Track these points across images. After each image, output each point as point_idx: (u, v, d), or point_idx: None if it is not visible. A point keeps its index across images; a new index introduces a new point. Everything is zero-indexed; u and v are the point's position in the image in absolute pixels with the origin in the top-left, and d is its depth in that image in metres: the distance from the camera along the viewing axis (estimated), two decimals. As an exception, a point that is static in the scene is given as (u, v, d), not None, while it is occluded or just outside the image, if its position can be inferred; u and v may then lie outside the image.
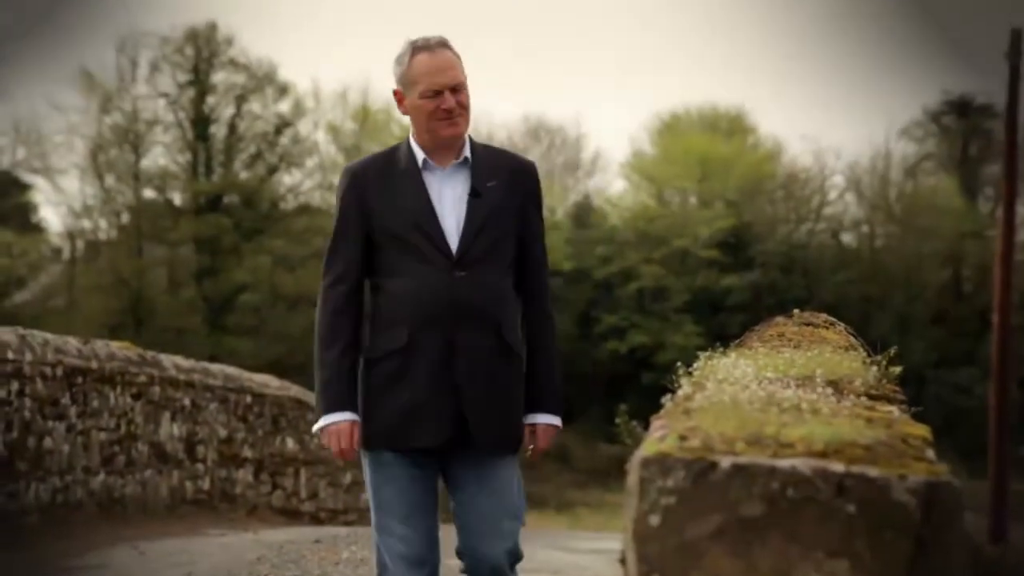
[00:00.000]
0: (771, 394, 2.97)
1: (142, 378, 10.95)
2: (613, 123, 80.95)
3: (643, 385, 39.67)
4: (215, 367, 12.98)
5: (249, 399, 13.17)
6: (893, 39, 72.00)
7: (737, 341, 4.64)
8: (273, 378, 14.53)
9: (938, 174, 50.76)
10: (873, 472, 2.26)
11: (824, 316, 5.15)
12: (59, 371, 9.65)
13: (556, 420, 4.40)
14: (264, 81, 46.59)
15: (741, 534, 2.26)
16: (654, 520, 2.31)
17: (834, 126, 63.27)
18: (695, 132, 51.13)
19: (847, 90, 74.32)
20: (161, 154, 46.58)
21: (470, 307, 4.18)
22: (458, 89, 4.20)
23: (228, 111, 46.65)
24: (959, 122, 50.72)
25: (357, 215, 4.26)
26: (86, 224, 47.35)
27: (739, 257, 47.11)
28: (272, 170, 47.38)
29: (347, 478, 15.31)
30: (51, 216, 70.91)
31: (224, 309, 44.56)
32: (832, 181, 50.91)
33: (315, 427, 4.26)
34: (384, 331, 4.23)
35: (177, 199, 46.98)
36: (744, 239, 47.70)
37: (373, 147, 43.70)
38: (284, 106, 47.41)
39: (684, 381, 3.43)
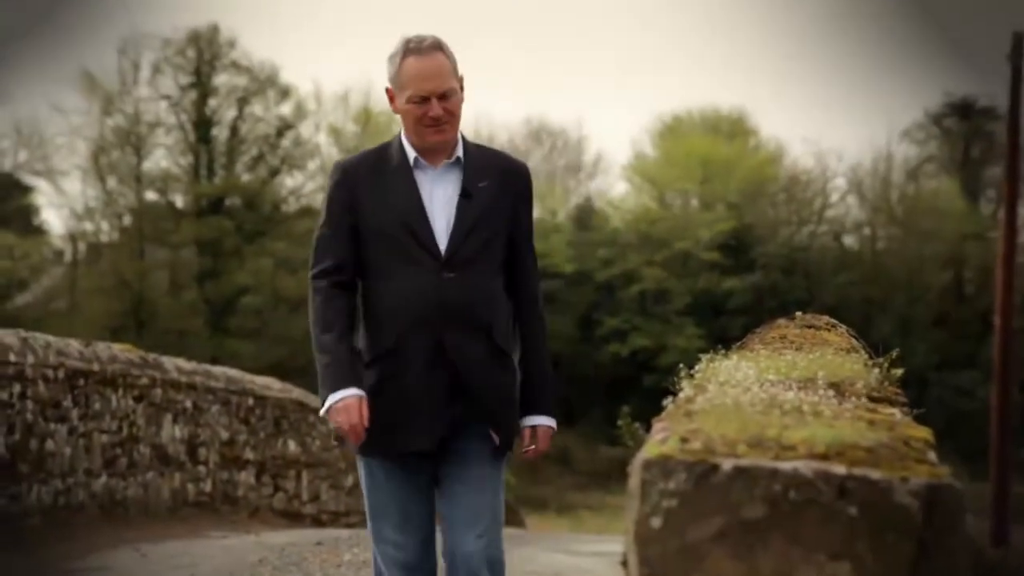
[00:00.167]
0: (773, 396, 2.97)
1: (144, 380, 10.95)
2: (615, 125, 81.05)
3: (644, 387, 39.66)
4: (217, 369, 12.98)
5: (251, 401, 13.16)
6: (894, 41, 72.06)
7: (739, 343, 4.63)
8: (275, 380, 14.52)
9: (940, 176, 50.79)
10: (875, 474, 2.26)
11: (826, 318, 5.15)
12: (61, 373, 9.65)
13: (552, 422, 4.37)
14: (266, 83, 46.66)
15: (743, 536, 2.26)
16: (656, 522, 2.31)
17: (835, 128, 63.31)
18: (697, 134, 51.17)
19: (848, 92, 74.35)
20: (163, 156, 46.71)
21: (459, 309, 4.13)
22: (446, 96, 4.14)
23: (230, 113, 46.72)
24: (961, 124, 50.74)
25: (346, 211, 4.19)
26: (88, 226, 47.45)
27: (740, 259, 47.13)
28: (274, 172, 47.44)
29: (349, 480, 15.31)
30: (53, 218, 70.92)
31: (226, 311, 44.58)
32: (834, 183, 51.01)
33: (322, 410, 4.11)
34: (373, 334, 4.18)
35: (179, 201, 47.04)
36: (746, 241, 47.71)
37: (375, 149, 43.58)
38: (286, 108, 47.53)
39: (685, 383, 3.43)
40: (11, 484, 8.99)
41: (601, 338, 46.48)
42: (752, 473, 2.27)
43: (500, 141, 49.38)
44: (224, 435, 12.50)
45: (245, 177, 46.83)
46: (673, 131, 52.46)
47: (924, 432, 2.76)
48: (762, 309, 38.73)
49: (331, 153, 47.82)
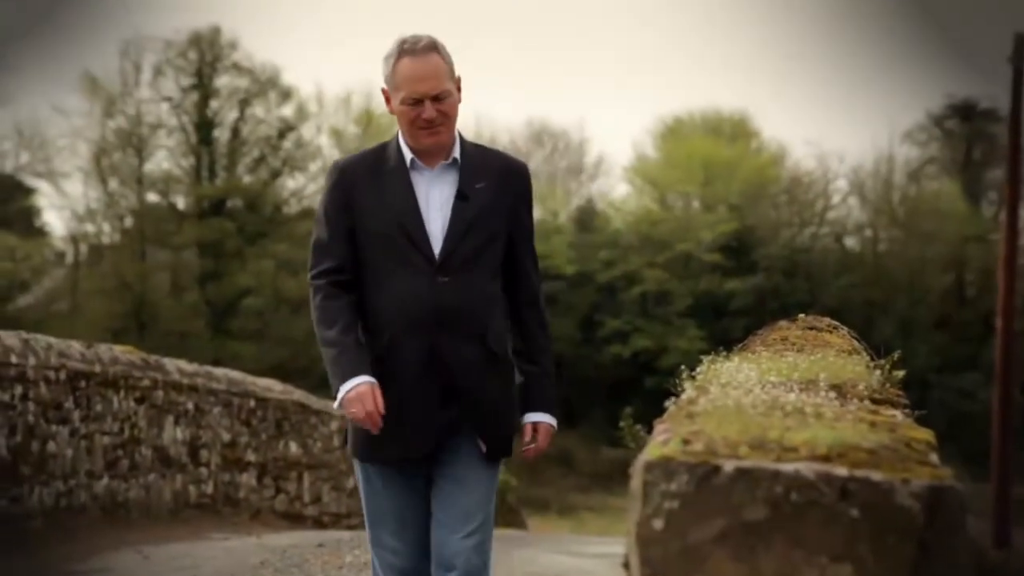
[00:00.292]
0: (774, 398, 2.97)
1: (145, 382, 10.95)
2: (616, 127, 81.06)
3: (646, 389, 39.64)
4: (218, 371, 12.98)
5: (252, 403, 13.16)
6: (896, 42, 72.01)
7: (740, 345, 4.63)
8: (276, 382, 14.52)
9: (941, 178, 50.78)
10: (877, 476, 2.26)
11: (827, 320, 5.14)
12: (62, 375, 9.65)
13: (553, 420, 4.33)
14: (267, 85, 46.67)
15: (744, 538, 2.26)
16: (657, 524, 2.31)
17: (837, 129, 63.30)
18: (698, 136, 51.18)
19: (850, 93, 74.33)
20: (164, 158, 46.73)
21: (453, 313, 4.08)
22: (440, 98, 4.08)
23: (231, 115, 46.74)
24: (962, 126, 50.74)
25: (343, 212, 4.15)
26: (89, 228, 47.48)
27: (742, 261, 47.13)
28: (275, 174, 47.45)
29: (350, 482, 15.30)
30: (54, 220, 71.00)
31: (227, 313, 44.59)
32: (835, 185, 51.00)
33: (335, 403, 4.05)
34: (368, 337, 4.13)
35: (180, 203, 47.07)
36: (747, 243, 47.70)
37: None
38: (287, 110, 47.55)
39: (687, 385, 3.43)
40: (12, 486, 8.99)
41: (602, 339, 46.48)
42: (754, 475, 2.27)
43: (501, 143, 49.36)
44: (226, 437, 12.50)
45: (247, 179, 46.85)
46: (674, 133, 52.48)
47: (926, 434, 2.76)
48: (764, 311, 38.71)
49: (333, 155, 47.78)
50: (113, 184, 45.90)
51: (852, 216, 51.28)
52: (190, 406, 11.76)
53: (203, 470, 11.99)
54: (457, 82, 4.18)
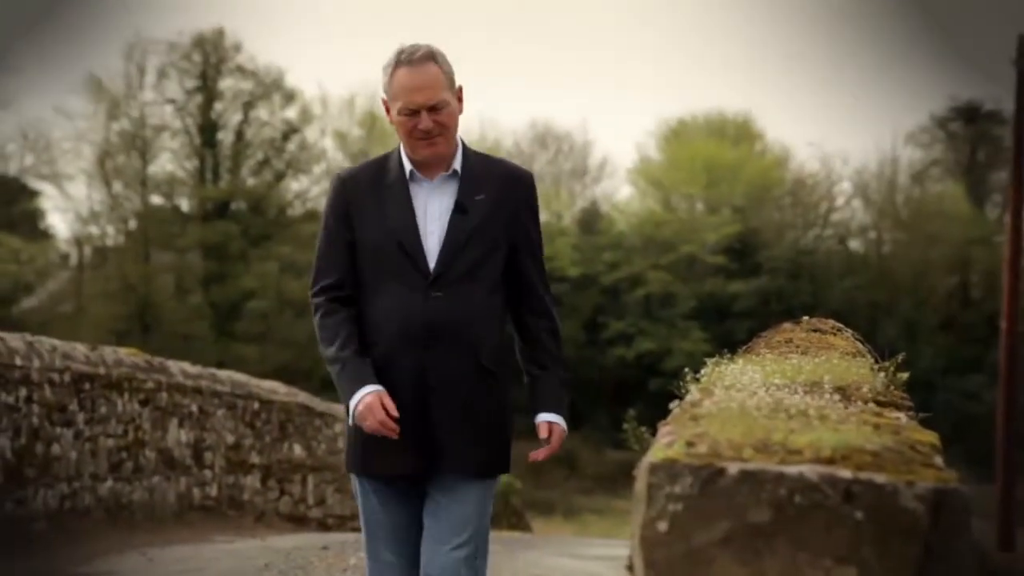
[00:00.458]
0: (779, 400, 2.96)
1: (149, 384, 10.96)
2: (620, 129, 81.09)
3: (650, 391, 39.67)
4: (222, 373, 12.99)
5: (256, 405, 13.17)
6: (900, 44, 72.02)
7: (744, 347, 4.63)
8: (280, 384, 14.54)
9: (945, 180, 50.77)
10: (881, 478, 2.25)
11: (831, 322, 5.14)
12: (67, 377, 9.66)
13: (563, 423, 4.22)
14: (271, 87, 46.73)
15: (749, 540, 2.26)
16: (662, 526, 2.31)
17: (841, 131, 63.32)
18: (702, 138, 51.18)
19: (853, 95, 74.30)
20: (168, 160, 46.80)
21: (445, 329, 4.01)
22: (437, 108, 4.02)
23: (235, 117, 46.80)
24: (966, 128, 50.73)
25: (343, 225, 4.12)
26: (94, 230, 47.55)
27: (746, 263, 47.12)
28: (279, 176, 47.51)
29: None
30: (59, 222, 70.91)
31: (231, 315, 44.62)
32: (839, 187, 51.00)
33: (349, 419, 4.03)
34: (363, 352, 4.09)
35: (184, 205, 47.12)
36: (751, 245, 47.70)
37: (380, 153, 43.68)
38: (291, 112, 47.62)
39: (691, 387, 3.43)
40: (17, 488, 8.99)
41: (606, 341, 46.48)
42: (758, 477, 2.27)
43: (505, 145, 49.43)
44: (230, 439, 12.50)
45: (250, 181, 46.90)
46: (678, 135, 52.49)
47: (930, 436, 2.76)
48: (768, 313, 38.70)
49: (336, 157, 47.92)
50: (117, 186, 45.98)
51: (856, 218, 51.32)
52: (194, 408, 11.77)
53: (207, 472, 12.00)
54: (458, 92, 4.13)
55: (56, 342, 9.83)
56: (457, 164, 4.14)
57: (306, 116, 47.78)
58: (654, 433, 2.93)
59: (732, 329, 41.66)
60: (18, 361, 9.04)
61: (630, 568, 2.54)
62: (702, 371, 3.74)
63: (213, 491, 12.10)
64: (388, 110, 4.15)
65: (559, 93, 77.54)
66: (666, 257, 46.94)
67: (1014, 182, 21.77)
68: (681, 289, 46.65)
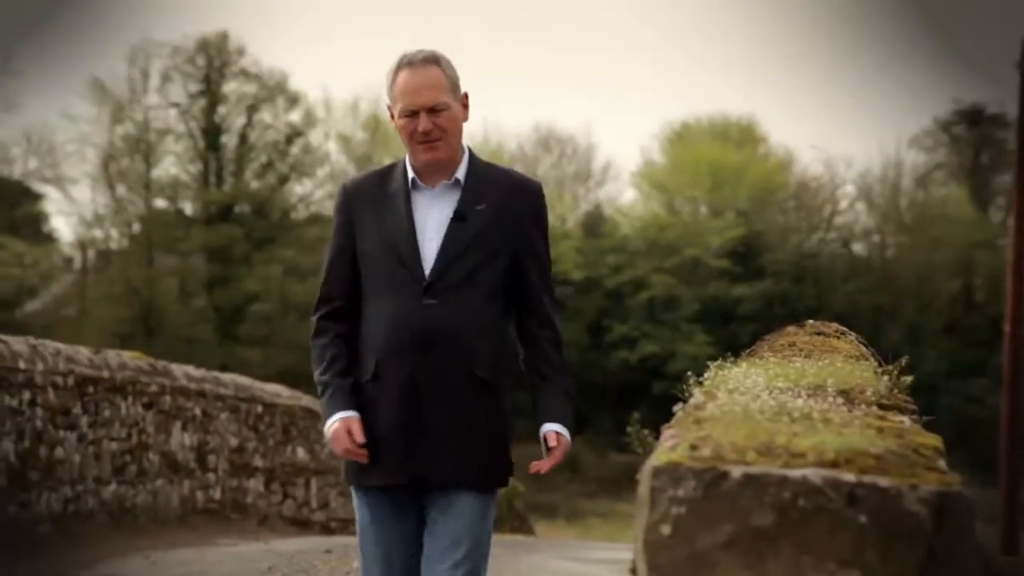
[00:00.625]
0: (782, 404, 2.96)
1: (153, 388, 10.96)
2: (624, 133, 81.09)
3: (654, 394, 39.67)
4: (226, 377, 13.00)
5: (260, 409, 13.18)
6: (903, 47, 72.00)
7: (748, 351, 4.62)
8: (284, 388, 14.54)
9: (949, 184, 50.77)
10: (884, 482, 2.25)
11: (835, 326, 5.13)
12: (70, 381, 9.67)
13: (567, 433, 4.12)
14: (275, 91, 46.77)
15: (752, 544, 2.26)
16: (665, 530, 2.31)
17: (844, 135, 63.32)
18: (705, 141, 51.20)
19: (856, 97, 74.29)
20: (172, 164, 46.84)
21: (440, 336, 3.96)
22: (437, 110, 3.98)
23: (239, 121, 46.83)
24: (970, 131, 50.74)
25: (346, 234, 4.11)
26: (97, 234, 47.55)
27: (750, 266, 47.13)
28: (283, 180, 47.54)
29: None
30: (62, 226, 71.10)
31: (235, 319, 44.64)
32: (843, 190, 51.02)
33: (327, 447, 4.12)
34: (359, 361, 4.08)
35: (188, 209, 47.15)
36: (755, 248, 47.70)
37: (384, 157, 43.86)
38: (295, 116, 47.65)
39: (695, 390, 3.43)
40: (21, 491, 9.00)
41: (610, 345, 46.50)
42: (761, 480, 2.26)
43: (509, 149, 49.49)
44: (233, 442, 12.51)
45: (254, 184, 46.93)
46: (682, 138, 52.51)
47: (934, 439, 2.76)
48: (771, 316, 38.71)
49: (340, 160, 47.97)
50: (121, 190, 46.01)
51: (860, 221, 51.33)
52: (198, 412, 11.78)
53: (211, 476, 12.00)
54: (463, 98, 4.10)
55: (60, 345, 9.84)
56: (460, 173, 4.09)
57: (310, 119, 47.84)
58: (657, 436, 2.93)
59: (736, 332, 41.65)
60: (22, 364, 9.05)
61: (633, 571, 2.53)
62: (705, 374, 3.73)
63: (216, 494, 12.11)
64: (392, 116, 4.13)
65: (559, 93, 77.63)
66: (670, 260, 46.96)
67: (1018, 185, 21.75)
68: (685, 292, 46.66)
